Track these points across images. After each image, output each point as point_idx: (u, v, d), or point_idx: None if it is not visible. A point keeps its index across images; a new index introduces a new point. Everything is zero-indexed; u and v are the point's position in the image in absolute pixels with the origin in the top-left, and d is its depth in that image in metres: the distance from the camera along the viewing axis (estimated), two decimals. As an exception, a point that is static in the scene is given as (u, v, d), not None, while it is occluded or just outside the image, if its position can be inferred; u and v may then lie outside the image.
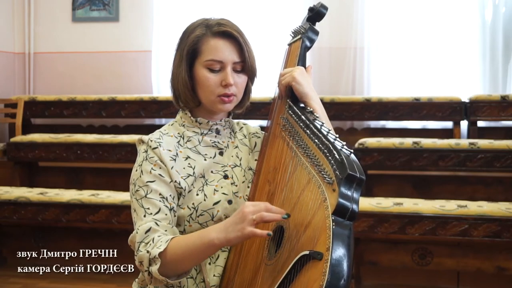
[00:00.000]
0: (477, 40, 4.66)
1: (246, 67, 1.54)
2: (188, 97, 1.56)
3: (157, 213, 1.46)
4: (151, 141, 1.52)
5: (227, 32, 1.51)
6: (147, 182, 1.48)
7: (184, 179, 1.51)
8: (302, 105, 1.54)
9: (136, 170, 1.51)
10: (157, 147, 1.51)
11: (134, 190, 1.50)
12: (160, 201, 1.47)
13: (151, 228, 1.43)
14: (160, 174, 1.49)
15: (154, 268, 1.38)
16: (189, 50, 1.53)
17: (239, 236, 1.29)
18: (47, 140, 4.36)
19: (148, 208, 1.46)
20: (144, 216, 1.46)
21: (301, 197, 1.32)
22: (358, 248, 3.39)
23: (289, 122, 1.53)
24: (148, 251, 1.39)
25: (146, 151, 1.52)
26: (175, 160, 1.52)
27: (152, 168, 1.49)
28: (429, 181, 3.87)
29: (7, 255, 4.00)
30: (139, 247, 1.43)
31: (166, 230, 1.45)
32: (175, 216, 1.50)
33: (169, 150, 1.52)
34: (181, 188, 1.50)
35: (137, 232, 1.45)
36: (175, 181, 1.50)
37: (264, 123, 1.68)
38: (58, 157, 4.33)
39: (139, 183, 1.49)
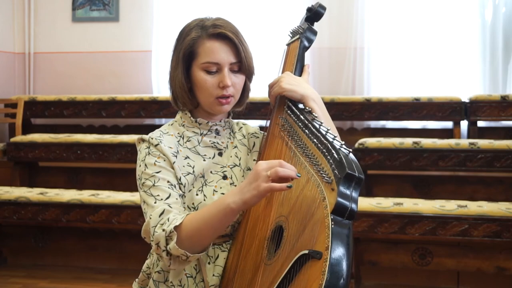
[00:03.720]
0: (477, 40, 4.66)
1: (243, 67, 1.54)
2: (186, 99, 1.56)
3: (167, 198, 1.45)
4: (152, 138, 1.52)
5: (222, 34, 1.51)
6: (153, 173, 1.47)
7: (184, 176, 1.51)
8: (300, 105, 1.54)
9: (140, 166, 1.51)
10: (158, 144, 1.51)
11: (141, 183, 1.49)
12: (169, 187, 1.46)
13: (164, 210, 1.41)
14: (164, 165, 1.49)
15: (172, 244, 1.35)
16: (185, 53, 1.53)
17: (255, 194, 1.27)
18: (47, 140, 4.36)
19: (158, 195, 1.45)
20: (155, 202, 1.44)
21: (300, 197, 1.32)
22: (358, 248, 3.40)
23: (288, 122, 1.53)
24: (164, 229, 1.37)
25: (148, 147, 1.52)
26: (176, 156, 1.52)
27: (156, 161, 1.49)
28: (429, 181, 3.87)
29: (7, 255, 4.00)
30: (154, 230, 1.40)
31: (179, 212, 1.43)
32: (184, 203, 1.50)
33: (170, 147, 1.52)
34: (182, 184, 1.50)
35: (150, 218, 1.42)
36: (177, 177, 1.50)
37: (264, 123, 1.68)
38: (58, 157, 4.33)
39: (144, 176, 1.48)
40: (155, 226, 1.40)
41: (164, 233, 1.36)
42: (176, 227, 1.36)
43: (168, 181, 1.47)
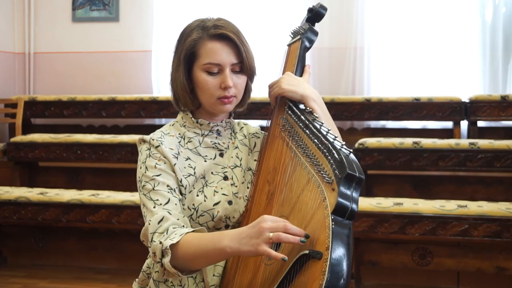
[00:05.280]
0: (477, 40, 4.66)
1: (245, 67, 1.54)
2: (187, 100, 1.56)
3: (166, 203, 1.45)
4: (153, 139, 1.52)
5: (223, 34, 1.51)
6: (153, 176, 1.48)
7: (185, 178, 1.52)
8: (301, 105, 1.54)
9: (141, 168, 1.51)
10: (159, 145, 1.51)
11: (141, 186, 1.49)
12: (168, 192, 1.47)
13: (163, 217, 1.42)
14: (165, 168, 1.49)
15: (166, 260, 1.36)
16: (187, 54, 1.53)
17: (252, 251, 1.25)
18: (47, 140, 4.36)
19: (157, 200, 1.45)
20: (154, 207, 1.45)
21: (300, 197, 1.32)
22: (358, 248, 3.40)
23: (288, 123, 1.53)
24: (161, 242, 1.38)
25: (149, 149, 1.52)
26: (177, 158, 1.52)
27: (156, 163, 1.49)
28: (429, 181, 3.87)
29: (7, 255, 4.00)
30: (152, 237, 1.41)
31: (178, 219, 1.44)
32: (183, 207, 1.50)
33: (171, 149, 1.53)
34: (182, 186, 1.50)
35: (149, 224, 1.43)
36: (178, 178, 1.50)
37: (264, 123, 1.68)
38: (58, 157, 4.33)
39: (145, 178, 1.49)
40: (154, 233, 1.41)
41: (161, 246, 1.38)
42: (172, 246, 1.36)
43: (168, 185, 1.47)
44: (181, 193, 1.51)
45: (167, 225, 1.41)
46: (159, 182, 1.47)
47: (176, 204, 1.46)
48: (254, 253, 1.25)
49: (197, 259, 1.36)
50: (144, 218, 1.47)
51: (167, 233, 1.40)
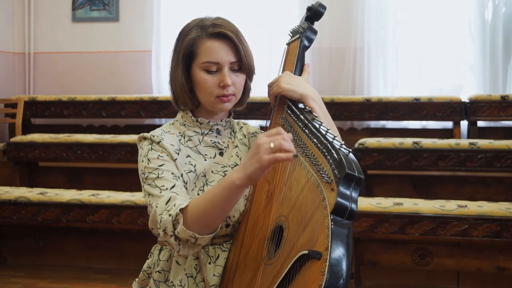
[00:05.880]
0: (477, 40, 4.66)
1: (243, 66, 1.54)
2: (186, 99, 1.56)
3: (172, 187, 1.44)
4: (154, 136, 1.52)
5: (221, 33, 1.51)
6: (157, 166, 1.47)
7: (186, 173, 1.51)
8: (300, 105, 1.54)
9: (142, 161, 1.50)
10: (160, 141, 1.51)
11: (145, 178, 1.48)
12: (173, 178, 1.46)
13: (171, 198, 1.40)
14: (167, 159, 1.48)
15: (180, 227, 1.34)
16: (185, 53, 1.53)
17: (257, 168, 1.24)
18: (47, 140, 4.36)
19: (163, 185, 1.44)
20: (160, 192, 1.43)
21: (300, 197, 1.32)
22: (358, 248, 3.40)
23: (288, 122, 1.53)
24: (170, 214, 1.36)
25: (150, 144, 1.51)
26: (178, 154, 1.52)
27: (159, 155, 1.49)
28: (429, 181, 3.87)
29: (7, 255, 4.00)
30: (161, 217, 1.38)
31: (185, 199, 1.42)
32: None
33: (172, 145, 1.53)
34: (184, 182, 1.50)
35: (156, 207, 1.40)
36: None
37: (264, 123, 1.68)
38: (58, 157, 4.33)
39: (148, 170, 1.47)
40: (162, 214, 1.39)
41: (171, 218, 1.35)
42: (182, 210, 1.35)
43: (172, 173, 1.47)
44: None
45: (174, 202, 1.39)
46: (163, 170, 1.46)
47: (181, 188, 1.45)
48: (260, 168, 1.24)
49: (211, 210, 1.34)
50: (149, 207, 1.45)
51: (174, 206, 1.37)
